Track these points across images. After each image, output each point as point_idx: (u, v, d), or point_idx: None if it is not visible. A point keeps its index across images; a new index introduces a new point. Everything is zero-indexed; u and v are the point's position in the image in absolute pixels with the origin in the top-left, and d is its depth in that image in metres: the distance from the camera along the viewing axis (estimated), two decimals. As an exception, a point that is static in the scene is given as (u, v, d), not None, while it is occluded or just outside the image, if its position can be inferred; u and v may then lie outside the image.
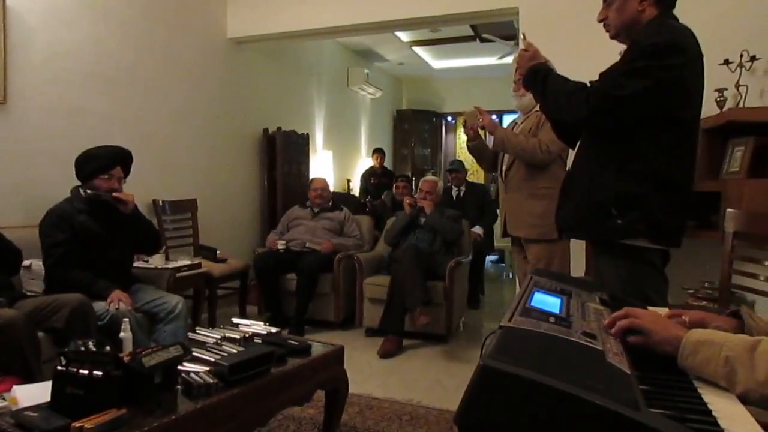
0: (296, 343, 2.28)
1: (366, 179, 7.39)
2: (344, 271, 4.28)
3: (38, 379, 2.16)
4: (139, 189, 3.50)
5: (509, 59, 6.50)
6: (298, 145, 5.88)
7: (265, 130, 5.51)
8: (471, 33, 7.06)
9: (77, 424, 1.44)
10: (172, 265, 3.58)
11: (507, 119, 7.98)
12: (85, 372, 1.53)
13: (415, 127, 9.94)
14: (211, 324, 3.91)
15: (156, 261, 3.50)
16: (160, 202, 4.16)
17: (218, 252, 4.37)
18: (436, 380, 3.26)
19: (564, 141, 2.27)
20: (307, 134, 6.10)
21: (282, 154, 5.49)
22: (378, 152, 7.41)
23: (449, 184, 5.57)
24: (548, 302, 1.13)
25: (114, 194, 2.86)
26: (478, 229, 5.13)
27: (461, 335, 4.24)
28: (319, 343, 2.40)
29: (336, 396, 2.37)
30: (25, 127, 3.30)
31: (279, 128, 5.50)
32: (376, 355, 3.65)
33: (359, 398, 2.88)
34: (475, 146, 3.18)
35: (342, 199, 5.84)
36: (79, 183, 2.93)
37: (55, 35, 3.47)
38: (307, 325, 4.21)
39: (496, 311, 5.08)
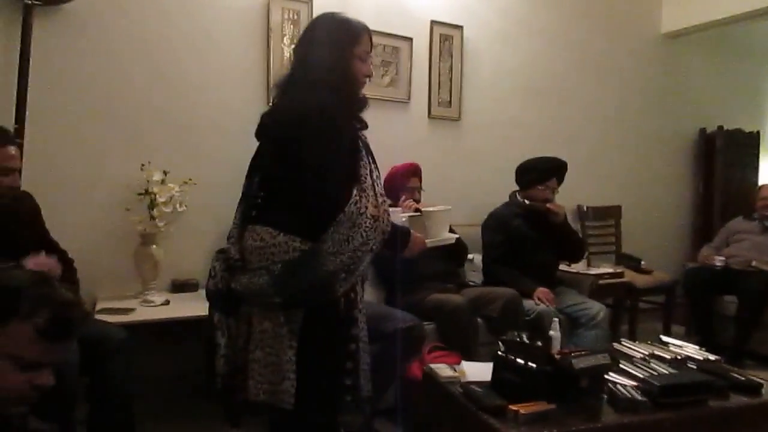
0: (741, 377, 1.95)
1: None
2: (806, 300, 3.43)
3: (475, 358, 2.47)
4: (566, 194, 3.62)
5: None
6: (744, 146, 5.02)
7: (702, 130, 4.92)
8: None
9: (513, 407, 1.58)
10: (593, 271, 3.58)
11: None
12: (521, 362, 1.67)
13: None
14: (631, 337, 3.71)
15: (578, 266, 3.55)
16: (585, 208, 4.21)
17: (642, 262, 4.13)
18: None
19: None
20: (758, 132, 5.15)
21: (722, 156, 4.79)
22: None
23: None
24: None
25: (548, 205, 3.04)
26: None
27: None
28: (771, 383, 1.99)
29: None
30: (472, 139, 3.84)
31: (720, 127, 4.82)
32: None
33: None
34: None
35: (804, 211, 4.70)
36: (516, 189, 3.24)
37: (500, 56, 3.92)
38: (748, 358, 3.56)
39: None
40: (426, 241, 1.89)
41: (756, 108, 5.48)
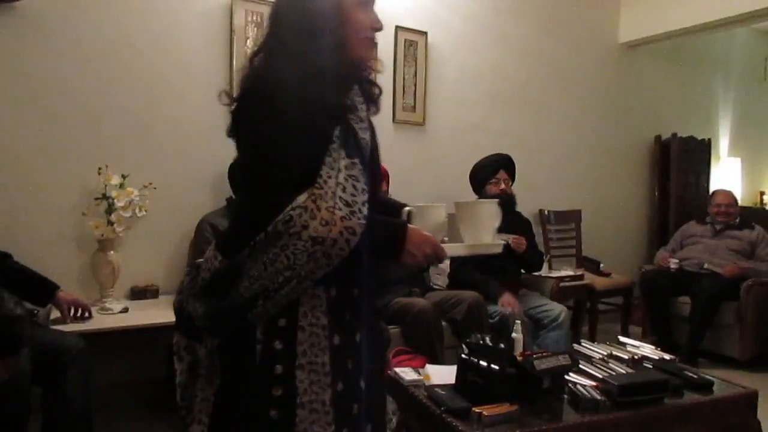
0: (694, 375, 2.02)
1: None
2: (755, 301, 3.58)
3: (440, 361, 2.49)
4: (527, 199, 3.69)
5: None
6: (697, 153, 5.22)
7: (658, 137, 5.09)
8: None
9: (477, 409, 1.59)
10: (555, 274, 3.66)
11: None
12: (484, 364, 1.68)
13: None
14: (591, 338, 3.81)
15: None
16: (546, 212, 4.29)
17: (602, 265, 4.24)
18: None
19: None
20: (709, 140, 5.36)
21: (677, 163, 4.96)
22: None
23: None
24: None
25: (510, 242, 3.10)
26: None
27: None
28: (722, 380, 2.07)
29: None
30: (437, 144, 3.88)
31: (674, 134, 4.99)
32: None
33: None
34: None
35: (753, 215, 4.91)
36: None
37: (464, 63, 3.97)
38: (701, 357, 3.69)
39: None
40: (460, 245, 1.33)
41: (707, 116, 5.71)
